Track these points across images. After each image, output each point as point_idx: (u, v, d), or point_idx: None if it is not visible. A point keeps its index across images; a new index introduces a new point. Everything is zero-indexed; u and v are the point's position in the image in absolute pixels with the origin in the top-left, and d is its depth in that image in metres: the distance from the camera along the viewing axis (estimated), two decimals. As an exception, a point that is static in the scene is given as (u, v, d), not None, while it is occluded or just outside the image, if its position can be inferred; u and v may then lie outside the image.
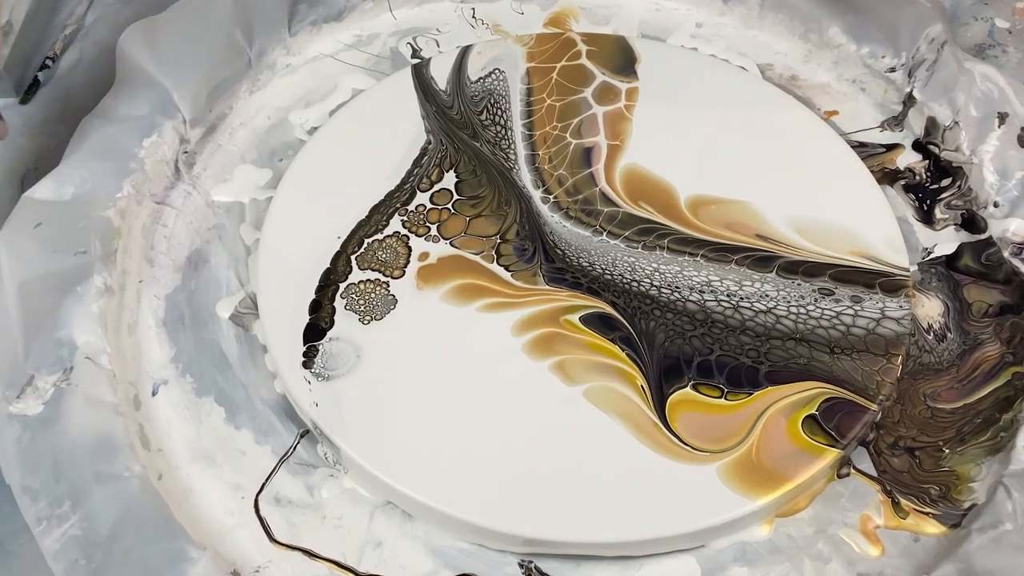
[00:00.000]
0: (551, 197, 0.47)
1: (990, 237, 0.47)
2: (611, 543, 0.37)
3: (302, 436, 0.41)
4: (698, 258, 0.45)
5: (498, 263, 0.44)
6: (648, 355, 0.41)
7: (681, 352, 0.41)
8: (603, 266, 0.44)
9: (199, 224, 0.48)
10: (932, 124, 0.51)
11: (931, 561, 0.37)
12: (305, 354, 0.41)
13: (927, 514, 0.38)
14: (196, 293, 0.46)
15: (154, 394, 0.42)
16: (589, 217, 0.46)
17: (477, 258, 0.45)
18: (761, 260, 0.45)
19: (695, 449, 0.38)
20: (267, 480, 0.40)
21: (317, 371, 0.41)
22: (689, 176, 0.48)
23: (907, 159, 0.51)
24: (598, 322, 0.42)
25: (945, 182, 0.50)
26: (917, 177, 0.50)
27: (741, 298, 0.43)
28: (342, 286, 0.44)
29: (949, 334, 0.44)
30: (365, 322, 0.42)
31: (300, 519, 0.39)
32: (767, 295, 0.43)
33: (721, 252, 0.45)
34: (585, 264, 0.45)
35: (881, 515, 0.39)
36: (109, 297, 0.43)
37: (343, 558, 0.38)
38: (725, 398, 0.40)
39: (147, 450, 0.40)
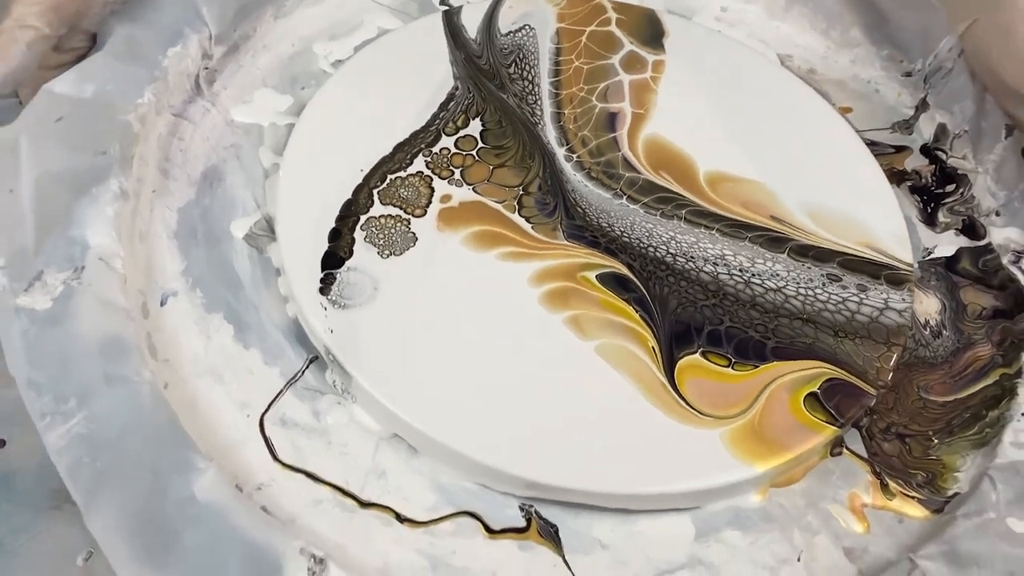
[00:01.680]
0: (574, 156, 0.48)
1: (988, 244, 0.48)
2: (612, 494, 0.38)
3: (311, 362, 0.41)
4: (714, 232, 0.46)
5: (519, 214, 0.45)
6: (660, 318, 0.42)
7: (692, 319, 0.42)
8: (621, 228, 0.45)
9: (216, 142, 0.48)
10: (942, 131, 0.53)
11: (914, 542, 0.39)
12: (322, 280, 0.41)
13: (912, 498, 0.40)
14: (210, 209, 0.45)
15: (162, 304, 0.42)
16: (610, 180, 0.47)
17: (499, 207, 0.45)
18: (774, 240, 0.46)
19: (701, 413, 0.39)
20: (274, 401, 0.40)
21: (333, 298, 0.41)
22: (709, 152, 0.49)
23: (915, 162, 0.53)
24: (613, 282, 0.43)
25: (949, 188, 0.51)
26: (923, 180, 0.52)
27: (752, 274, 0.44)
28: (363, 218, 0.44)
29: (944, 331, 0.45)
30: (384, 256, 0.42)
31: (305, 442, 0.39)
32: (777, 274, 0.44)
33: (736, 228, 0.46)
34: (604, 224, 0.45)
35: (869, 494, 0.40)
36: (124, 202, 0.42)
37: (346, 484, 0.38)
38: (732, 368, 0.41)
39: (154, 359, 0.40)
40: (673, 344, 0.41)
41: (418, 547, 0.37)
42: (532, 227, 0.44)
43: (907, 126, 0.54)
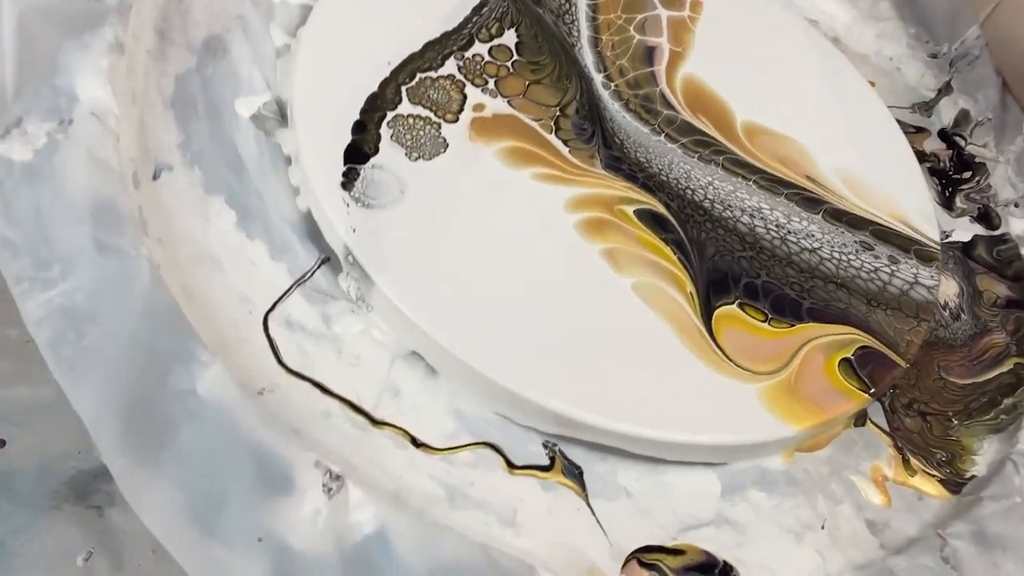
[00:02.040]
0: (612, 84, 0.45)
1: (1004, 234, 0.48)
2: (645, 439, 0.35)
3: (323, 263, 0.37)
4: (751, 183, 0.43)
5: (556, 135, 0.41)
6: (698, 264, 0.40)
7: (730, 269, 0.40)
8: (659, 166, 0.42)
9: (219, 10, 0.42)
10: (963, 116, 0.52)
11: (934, 520, 0.38)
12: (345, 175, 0.37)
13: (932, 476, 0.39)
14: (212, 81, 0.40)
15: (155, 178, 0.37)
16: (648, 115, 0.44)
17: (535, 125, 0.41)
18: (809, 200, 0.44)
19: (737, 365, 0.37)
20: (280, 299, 0.35)
21: (356, 195, 0.36)
22: (746, 102, 0.47)
23: (932, 145, 0.52)
24: (651, 220, 0.40)
25: (966, 174, 0.51)
26: (941, 164, 0.51)
27: (788, 231, 0.42)
28: (390, 115, 0.39)
29: (963, 315, 0.45)
30: (412, 159, 0.38)
31: (313, 349, 0.35)
32: (813, 235, 0.43)
33: (772, 183, 0.44)
34: (642, 160, 0.42)
35: (892, 469, 0.39)
36: (118, 56, 0.37)
37: (358, 400, 0.34)
38: (769, 324, 0.39)
39: (146, 235, 0.35)
40: (710, 291, 0.39)
41: (434, 474, 0.33)
42: (569, 151, 0.41)
43: (927, 108, 0.53)
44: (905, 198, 0.46)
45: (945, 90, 0.53)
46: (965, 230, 0.49)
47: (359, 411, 0.34)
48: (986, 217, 0.49)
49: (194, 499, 0.28)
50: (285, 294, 0.36)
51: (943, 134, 0.52)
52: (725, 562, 0.34)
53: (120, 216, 0.33)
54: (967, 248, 0.48)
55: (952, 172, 0.51)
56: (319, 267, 0.37)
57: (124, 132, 0.36)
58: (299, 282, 0.36)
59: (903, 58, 0.55)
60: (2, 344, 0.38)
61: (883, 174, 0.46)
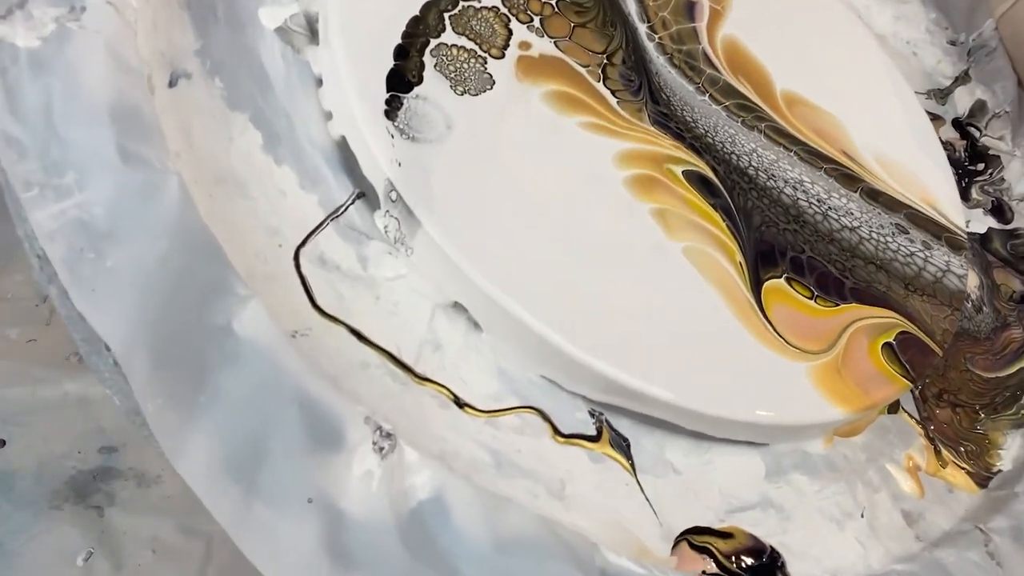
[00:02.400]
0: (656, 36, 0.42)
1: (1016, 228, 0.48)
2: (701, 414, 0.33)
3: (358, 197, 0.33)
4: (792, 154, 0.42)
5: (604, 84, 0.38)
6: (746, 233, 0.37)
7: (776, 241, 0.38)
8: (705, 127, 0.40)
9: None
10: (979, 107, 0.51)
11: (964, 513, 0.37)
12: (388, 103, 0.33)
13: (962, 468, 0.38)
14: (233, -16, 0.36)
15: (172, 85, 0.32)
16: (692, 72, 0.42)
17: (583, 71, 0.38)
18: (847, 177, 0.42)
19: (787, 343, 0.35)
20: (313, 233, 0.32)
21: (401, 127, 0.33)
22: (784, 70, 0.45)
23: (946, 134, 0.51)
24: (700, 182, 0.38)
25: (979, 166, 0.50)
26: (957, 153, 0.50)
27: (829, 208, 0.41)
28: (433, 42, 0.36)
29: (984, 307, 0.44)
30: (458, 93, 0.35)
31: (349, 292, 0.31)
32: (852, 213, 0.41)
33: (813, 156, 0.42)
34: (688, 119, 0.40)
35: (924, 459, 0.38)
36: (133, -58, 0.32)
37: (398, 351, 0.31)
38: (815, 301, 0.37)
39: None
40: (759, 263, 0.37)
41: (479, 439, 0.30)
42: (618, 102, 0.38)
43: (943, 95, 0.53)
44: (934, 185, 0.45)
45: (962, 79, 0.52)
46: (979, 222, 0.48)
47: (401, 364, 0.30)
48: (999, 211, 0.49)
49: (235, 451, 0.24)
50: (318, 228, 0.32)
51: (957, 123, 0.52)
52: (772, 548, 0.33)
53: (145, 123, 0.28)
54: (983, 240, 0.47)
55: (968, 163, 0.50)
56: (353, 202, 0.33)
57: (141, 28, 0.32)
58: (333, 216, 0.32)
59: (920, 43, 0.54)
60: (2, 344, 0.38)
61: (913, 159, 0.45)
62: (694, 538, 0.32)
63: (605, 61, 0.39)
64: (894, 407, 0.39)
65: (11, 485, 0.35)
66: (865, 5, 0.55)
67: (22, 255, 0.42)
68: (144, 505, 0.37)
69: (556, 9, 0.40)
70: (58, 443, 0.37)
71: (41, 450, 0.36)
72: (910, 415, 0.39)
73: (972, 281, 0.45)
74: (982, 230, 0.48)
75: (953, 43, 0.53)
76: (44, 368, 0.38)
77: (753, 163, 0.40)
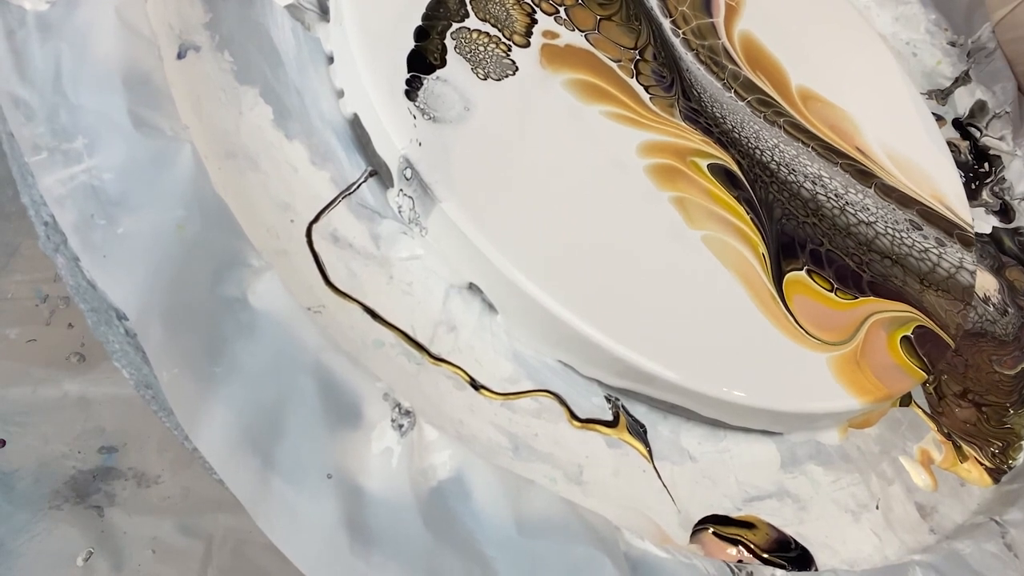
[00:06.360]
0: (680, 32, 0.42)
1: (1019, 227, 0.47)
2: (722, 400, 0.32)
3: (370, 176, 0.32)
4: (810, 149, 0.41)
5: (638, 80, 0.38)
6: (768, 225, 0.37)
7: (796, 234, 0.38)
8: (732, 123, 0.40)
9: None
10: (980, 108, 0.51)
11: (978, 507, 0.36)
12: (409, 83, 0.32)
13: (982, 464, 0.38)
14: (243, -40, 0.35)
15: (180, 57, 0.31)
16: (717, 68, 0.41)
17: (614, 66, 0.38)
18: (862, 173, 0.42)
19: (808, 333, 0.35)
20: (326, 209, 0.31)
21: (421, 106, 0.32)
22: (797, 67, 0.44)
23: (946, 134, 0.51)
24: (723, 175, 0.37)
25: (986, 167, 0.50)
26: (962, 156, 0.50)
27: (847, 203, 0.40)
28: (455, 25, 0.35)
29: (1009, 309, 0.44)
30: (480, 76, 0.34)
31: (362, 270, 0.30)
32: (867, 208, 0.41)
33: (829, 151, 0.42)
34: (717, 115, 0.40)
35: (940, 452, 0.37)
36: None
37: (412, 331, 0.30)
38: (835, 293, 0.37)
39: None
40: (780, 254, 0.36)
41: (496, 422, 0.30)
42: (651, 98, 0.38)
43: (943, 96, 0.52)
44: (943, 182, 0.44)
45: (963, 79, 0.52)
46: (981, 221, 0.48)
47: (416, 344, 0.30)
48: (1004, 211, 0.48)
49: (252, 423, 0.23)
50: (331, 204, 0.31)
51: (957, 123, 0.51)
52: (797, 542, 0.32)
53: (156, 90, 0.27)
54: (992, 240, 0.47)
55: (976, 165, 0.50)
56: (365, 180, 0.32)
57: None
58: (345, 193, 0.31)
59: (920, 43, 0.54)
60: (2, 344, 0.38)
61: (921, 157, 0.45)
62: (721, 529, 0.31)
63: (638, 57, 0.39)
64: (906, 400, 0.38)
65: (11, 485, 0.35)
66: (865, 6, 0.54)
67: (22, 255, 0.42)
68: (144, 505, 0.37)
69: (580, 1, 0.39)
70: (58, 443, 0.37)
71: (41, 450, 0.36)
72: (922, 409, 0.38)
73: (991, 283, 0.44)
74: (987, 230, 0.47)
75: (953, 44, 0.53)
76: (44, 368, 0.38)
77: (775, 158, 0.40)
